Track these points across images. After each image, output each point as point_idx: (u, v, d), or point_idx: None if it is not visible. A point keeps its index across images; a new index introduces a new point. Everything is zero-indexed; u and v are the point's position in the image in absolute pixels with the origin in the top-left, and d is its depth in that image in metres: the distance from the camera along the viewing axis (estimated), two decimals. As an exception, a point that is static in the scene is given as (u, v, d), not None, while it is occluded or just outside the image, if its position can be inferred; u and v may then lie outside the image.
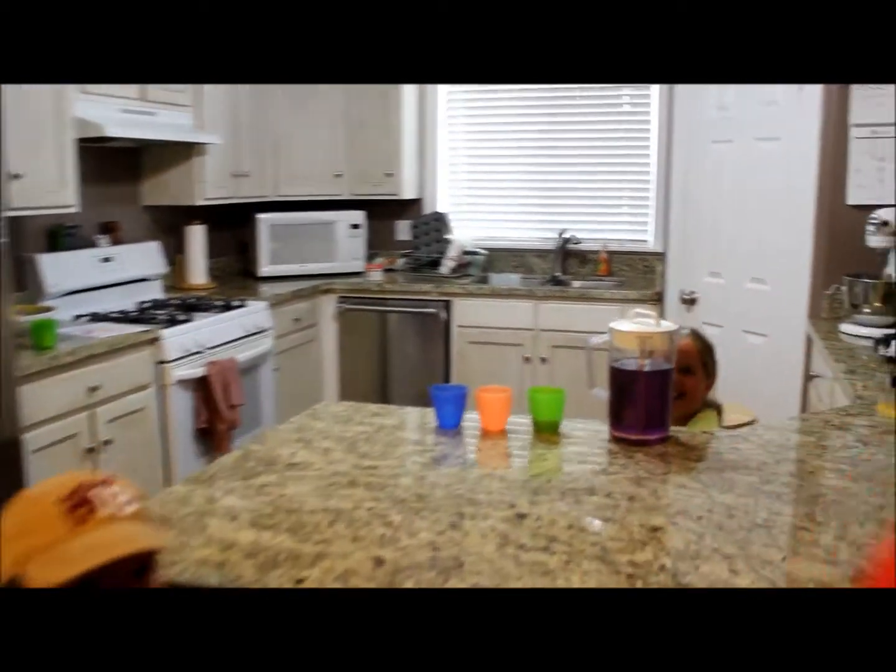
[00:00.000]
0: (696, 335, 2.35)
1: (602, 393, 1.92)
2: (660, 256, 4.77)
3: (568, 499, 1.52)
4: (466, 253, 4.97)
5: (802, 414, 2.35)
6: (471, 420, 1.99)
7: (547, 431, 1.91)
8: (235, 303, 3.98)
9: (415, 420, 2.04)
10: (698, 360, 2.29)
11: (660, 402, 1.85)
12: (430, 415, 2.05)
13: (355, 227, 4.98)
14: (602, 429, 1.93)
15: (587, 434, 1.91)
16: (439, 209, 5.22)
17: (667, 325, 1.86)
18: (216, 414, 3.58)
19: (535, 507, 1.49)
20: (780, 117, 3.59)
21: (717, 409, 2.31)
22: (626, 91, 4.91)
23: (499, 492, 1.56)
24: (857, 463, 1.71)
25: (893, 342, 2.54)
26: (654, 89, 4.80)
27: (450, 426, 1.95)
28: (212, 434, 3.61)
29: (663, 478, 1.63)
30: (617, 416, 1.88)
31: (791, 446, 1.84)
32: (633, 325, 1.86)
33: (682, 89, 4.06)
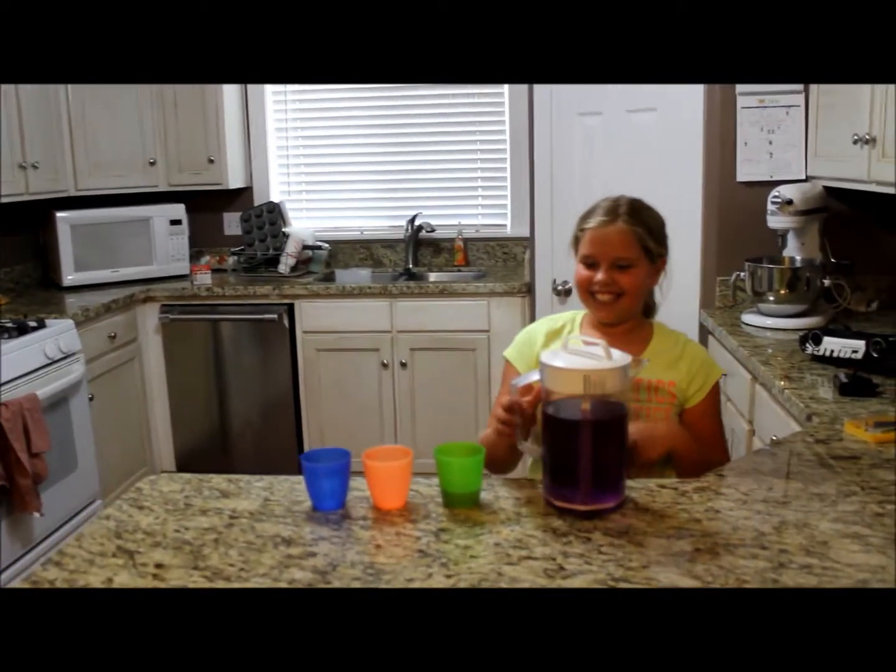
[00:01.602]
0: (632, 210, 1.73)
1: (534, 449, 1.45)
2: (521, 242, 4.38)
3: (527, 632, 1.04)
4: (307, 247, 4.40)
5: (767, 447, 1.98)
6: (356, 489, 1.48)
7: (463, 506, 1.41)
8: (32, 323, 3.26)
9: (280, 498, 1.50)
10: (637, 249, 1.72)
11: (614, 457, 1.40)
12: (299, 488, 1.52)
13: (176, 222, 4.30)
14: (531, 493, 1.47)
15: (514, 503, 1.43)
16: (272, 199, 4.62)
17: (619, 356, 1.40)
18: (15, 466, 2.88)
19: (484, 655, 1.00)
20: (654, 86, 3.23)
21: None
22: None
23: (424, 627, 1.06)
24: (870, 521, 1.32)
25: (826, 339, 2.21)
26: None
27: (330, 508, 1.43)
28: (12, 492, 2.90)
29: (645, 575, 1.18)
30: (556, 479, 1.41)
31: (779, 499, 1.42)
32: (571, 359, 1.39)
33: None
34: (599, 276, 1.73)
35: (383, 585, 1.17)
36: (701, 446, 1.72)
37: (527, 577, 1.18)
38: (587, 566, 1.20)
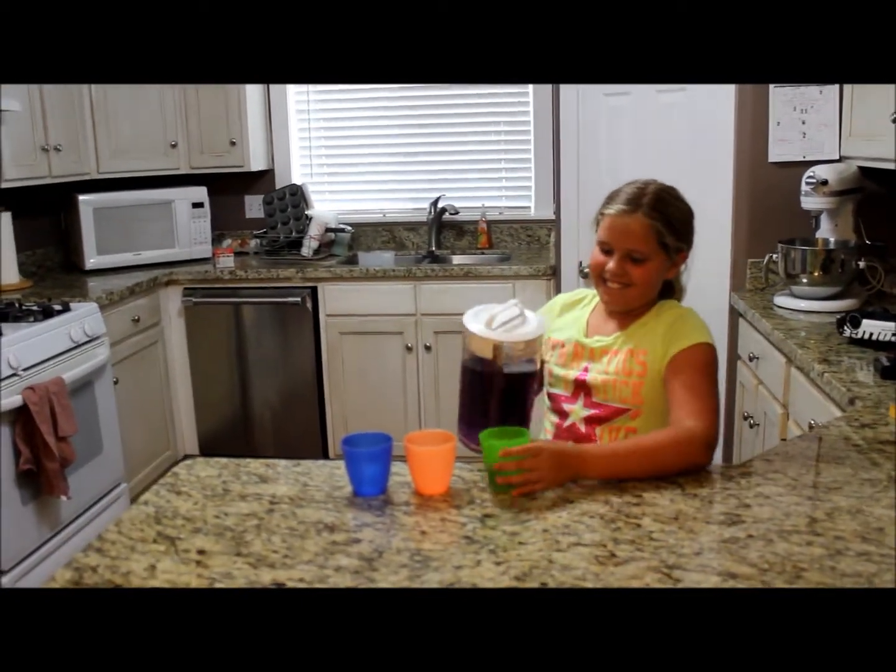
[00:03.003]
0: (657, 201, 1.68)
1: None
2: (545, 225, 4.35)
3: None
4: (330, 230, 4.37)
5: (805, 431, 1.94)
6: (396, 474, 1.46)
7: (508, 491, 1.40)
8: (57, 306, 3.24)
9: (319, 483, 1.48)
10: (654, 244, 1.68)
11: (516, 406, 1.61)
12: (338, 472, 1.50)
13: (198, 205, 4.28)
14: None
15: (558, 488, 1.41)
16: (294, 181, 4.59)
17: (531, 324, 1.59)
18: (43, 450, 2.87)
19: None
20: (684, 64, 3.17)
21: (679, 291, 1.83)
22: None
23: (476, 616, 1.04)
24: (926, 508, 1.29)
25: (865, 322, 2.17)
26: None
27: (371, 493, 1.41)
28: (39, 475, 2.90)
29: (699, 562, 1.15)
30: (467, 423, 1.63)
31: (829, 485, 1.40)
32: (478, 326, 1.57)
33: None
34: (611, 264, 1.70)
35: (431, 573, 1.15)
36: (673, 412, 1.59)
37: (578, 564, 1.15)
38: (639, 553, 1.18)
